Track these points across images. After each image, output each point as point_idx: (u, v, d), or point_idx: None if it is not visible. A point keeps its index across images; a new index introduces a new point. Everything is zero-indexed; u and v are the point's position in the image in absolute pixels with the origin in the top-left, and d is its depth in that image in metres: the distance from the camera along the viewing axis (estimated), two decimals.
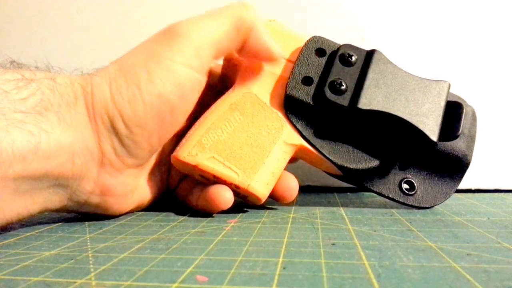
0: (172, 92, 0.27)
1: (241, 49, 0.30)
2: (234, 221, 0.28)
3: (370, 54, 0.32)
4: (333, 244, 0.22)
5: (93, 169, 0.26)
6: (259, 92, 0.31)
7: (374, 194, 0.39)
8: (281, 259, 0.19)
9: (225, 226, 0.27)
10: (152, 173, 0.31)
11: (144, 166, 0.29)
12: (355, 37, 0.42)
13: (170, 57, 0.27)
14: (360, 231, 0.25)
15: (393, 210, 0.31)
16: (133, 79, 0.26)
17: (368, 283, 0.16)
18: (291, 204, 0.34)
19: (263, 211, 0.32)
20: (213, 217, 0.29)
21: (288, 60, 0.33)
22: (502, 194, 0.39)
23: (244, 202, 0.31)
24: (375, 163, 0.31)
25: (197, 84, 0.28)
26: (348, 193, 0.40)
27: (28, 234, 0.26)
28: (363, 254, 0.20)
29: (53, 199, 0.25)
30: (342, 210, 0.31)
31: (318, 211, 0.31)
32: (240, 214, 0.30)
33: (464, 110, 0.31)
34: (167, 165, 0.32)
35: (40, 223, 0.29)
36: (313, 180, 0.42)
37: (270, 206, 0.33)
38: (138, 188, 0.29)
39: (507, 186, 0.41)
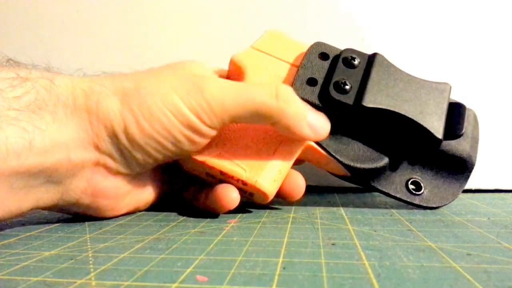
0: (179, 129, 0.27)
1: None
2: (234, 221, 0.28)
3: (372, 57, 0.32)
4: (333, 244, 0.22)
5: (87, 168, 0.26)
6: None
7: (375, 194, 0.39)
8: (281, 259, 0.19)
9: (225, 226, 0.27)
10: (150, 177, 0.31)
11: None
12: (355, 37, 0.42)
13: (186, 103, 0.26)
14: (360, 231, 0.25)
15: (393, 210, 0.31)
16: (148, 102, 0.26)
17: (368, 283, 0.16)
18: (291, 204, 0.34)
19: (263, 211, 0.32)
20: (213, 217, 0.29)
21: (292, 65, 0.33)
22: (502, 194, 0.39)
23: (251, 202, 0.31)
24: (381, 162, 0.31)
25: (204, 133, 0.28)
26: (348, 193, 0.40)
27: (28, 234, 0.26)
28: (363, 254, 0.20)
29: (45, 197, 0.25)
30: (342, 210, 0.31)
31: (318, 211, 0.31)
32: (240, 214, 0.30)
33: (467, 110, 0.31)
34: (168, 168, 0.32)
35: (40, 223, 0.29)
36: (313, 180, 0.42)
37: (270, 206, 0.33)
38: (133, 191, 0.29)
39: (507, 186, 0.41)
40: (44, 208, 0.27)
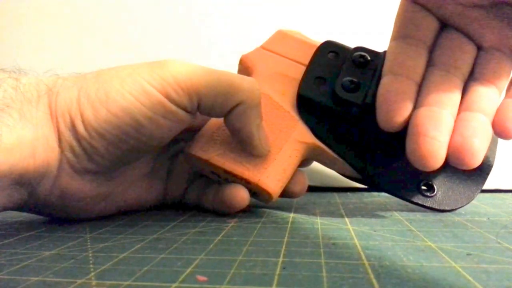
0: (141, 111, 0.25)
1: (226, 117, 0.28)
2: (234, 221, 0.28)
3: (384, 55, 0.31)
4: (333, 244, 0.22)
5: (53, 168, 0.25)
6: (271, 92, 0.31)
7: (374, 194, 0.39)
8: (281, 259, 0.19)
9: (225, 226, 0.27)
10: (135, 182, 0.30)
11: (120, 176, 0.29)
12: (355, 36, 0.42)
13: (149, 80, 0.26)
14: (360, 231, 0.25)
15: (393, 210, 0.31)
16: (105, 86, 0.26)
17: (368, 283, 0.16)
18: (291, 204, 0.34)
19: (263, 211, 0.32)
20: (213, 217, 0.29)
21: (302, 64, 0.33)
22: (502, 194, 0.39)
23: (251, 202, 0.31)
24: (391, 163, 0.30)
25: (172, 114, 0.26)
26: (348, 193, 0.40)
27: (28, 234, 0.26)
28: (363, 254, 0.20)
29: (12, 198, 0.25)
30: (342, 210, 0.31)
31: (318, 211, 0.31)
32: (240, 214, 0.30)
33: None
34: (164, 177, 0.32)
35: (40, 223, 0.29)
36: (313, 180, 0.42)
37: (270, 206, 0.33)
38: (112, 195, 0.29)
39: (507, 186, 0.41)
40: (14, 209, 0.26)
